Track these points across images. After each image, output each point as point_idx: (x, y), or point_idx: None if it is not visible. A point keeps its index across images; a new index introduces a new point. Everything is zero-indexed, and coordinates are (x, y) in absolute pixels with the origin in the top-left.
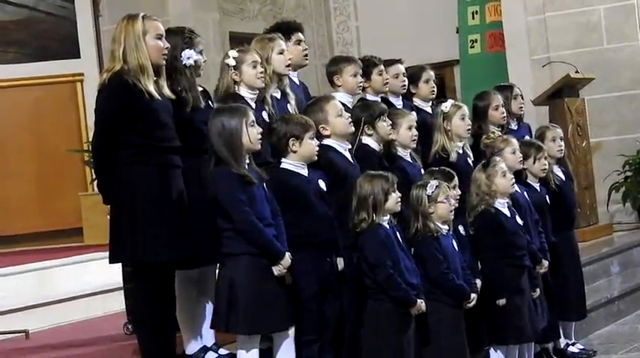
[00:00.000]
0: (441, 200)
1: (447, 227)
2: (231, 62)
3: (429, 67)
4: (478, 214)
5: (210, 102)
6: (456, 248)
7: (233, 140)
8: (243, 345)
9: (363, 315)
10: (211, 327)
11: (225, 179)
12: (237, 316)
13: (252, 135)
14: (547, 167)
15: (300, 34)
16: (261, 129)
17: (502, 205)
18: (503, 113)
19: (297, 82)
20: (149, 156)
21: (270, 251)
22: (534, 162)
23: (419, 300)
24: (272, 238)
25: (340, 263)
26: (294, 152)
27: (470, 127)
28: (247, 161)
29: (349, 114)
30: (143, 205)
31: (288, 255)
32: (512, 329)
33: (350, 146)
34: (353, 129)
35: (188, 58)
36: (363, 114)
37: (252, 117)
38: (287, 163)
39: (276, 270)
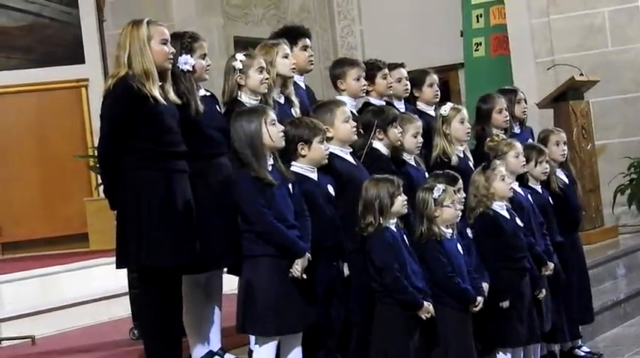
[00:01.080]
0: (447, 204)
1: (450, 231)
2: (238, 65)
3: (432, 71)
4: (477, 217)
5: (218, 106)
6: (461, 251)
7: (254, 142)
8: (259, 342)
9: (370, 319)
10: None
11: (243, 182)
12: (252, 317)
13: (273, 134)
14: (548, 170)
15: (307, 39)
16: (282, 127)
17: (501, 207)
18: (506, 116)
19: (303, 87)
20: (155, 161)
21: (290, 249)
22: (536, 166)
23: (426, 303)
24: (292, 236)
25: (345, 267)
26: (303, 156)
27: (469, 131)
28: (271, 161)
29: (355, 124)
30: (148, 210)
31: (307, 255)
32: (510, 332)
33: (351, 149)
34: (356, 137)
35: (185, 64)
36: (376, 118)
37: (272, 116)
38: (297, 166)
39: (294, 270)
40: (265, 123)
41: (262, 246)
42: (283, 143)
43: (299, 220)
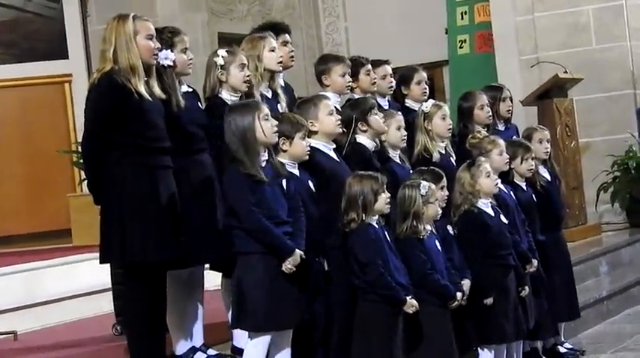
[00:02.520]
0: (432, 201)
1: (429, 227)
2: (220, 61)
3: (421, 69)
4: (462, 214)
5: (199, 103)
6: (439, 248)
7: (247, 137)
8: (251, 336)
9: (351, 315)
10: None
11: (233, 178)
12: (246, 314)
13: (266, 129)
14: (534, 167)
15: (287, 35)
16: (276, 122)
17: (485, 205)
18: (488, 112)
19: (283, 84)
20: (139, 157)
21: (278, 249)
22: (522, 163)
23: (409, 298)
24: (280, 235)
25: (325, 263)
26: (285, 151)
27: (451, 127)
28: (265, 157)
29: (339, 117)
30: (132, 205)
31: (298, 251)
32: (495, 328)
33: (335, 146)
34: (340, 130)
35: (165, 58)
36: (354, 111)
37: (265, 110)
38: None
39: (284, 267)
40: (259, 118)
41: (253, 243)
42: (276, 138)
43: (293, 216)
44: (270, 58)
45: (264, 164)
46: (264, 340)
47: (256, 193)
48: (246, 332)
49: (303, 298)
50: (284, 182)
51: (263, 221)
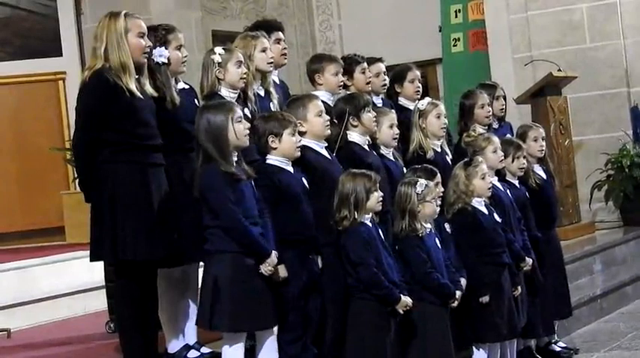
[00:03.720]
0: (429, 199)
1: (429, 226)
2: (217, 59)
3: (414, 67)
4: (456, 212)
5: (196, 100)
6: (439, 246)
7: (219, 137)
8: (227, 341)
9: (344, 313)
10: (196, 324)
11: (212, 177)
12: (221, 313)
13: (238, 131)
14: (525, 166)
15: (280, 33)
16: (249, 125)
17: (479, 203)
18: (489, 112)
19: (277, 81)
20: (130, 154)
21: (256, 250)
22: (513, 161)
23: (403, 297)
24: (258, 237)
25: (319, 261)
26: (275, 149)
27: (445, 126)
28: (236, 158)
29: (328, 117)
30: (123, 203)
31: (274, 253)
32: (490, 327)
33: (326, 144)
34: (329, 132)
35: (160, 56)
36: (348, 105)
37: (238, 113)
38: (271, 159)
39: (264, 269)
40: (232, 120)
41: (228, 242)
42: (247, 142)
43: (262, 218)
44: (261, 59)
45: (234, 165)
46: (239, 344)
47: (236, 191)
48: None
49: (278, 297)
50: (252, 183)
51: (243, 221)
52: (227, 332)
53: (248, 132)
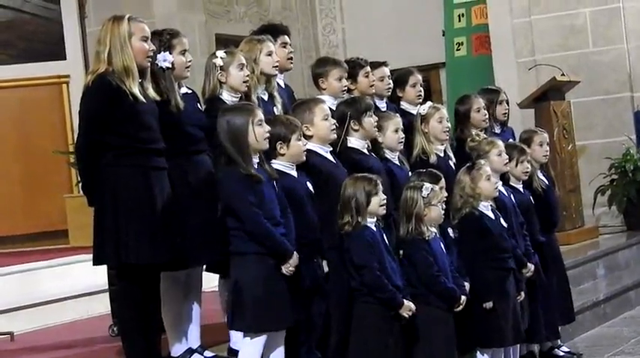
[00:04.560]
0: (435, 203)
1: (434, 230)
2: (219, 62)
3: (416, 71)
4: (462, 217)
5: (198, 104)
6: (444, 250)
7: (239, 138)
8: (246, 338)
9: (348, 316)
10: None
11: (234, 180)
12: (242, 314)
13: (258, 134)
14: (529, 170)
15: (286, 36)
16: (268, 128)
17: (486, 208)
18: (485, 115)
19: (283, 85)
20: (133, 158)
21: (279, 251)
22: (517, 165)
23: (406, 301)
24: (281, 238)
25: (325, 264)
26: (282, 154)
27: (448, 130)
28: (257, 160)
29: (334, 121)
30: (126, 207)
31: (295, 254)
32: (495, 332)
33: (331, 148)
34: (335, 136)
35: (164, 61)
36: (350, 109)
37: (259, 116)
38: (277, 164)
39: (285, 269)
40: (252, 123)
41: (251, 244)
42: (267, 146)
43: (284, 218)
44: (267, 62)
45: (256, 166)
46: (259, 340)
47: (257, 193)
48: (242, 334)
49: (297, 299)
50: (275, 184)
51: (265, 223)
52: (246, 333)
53: (268, 135)
